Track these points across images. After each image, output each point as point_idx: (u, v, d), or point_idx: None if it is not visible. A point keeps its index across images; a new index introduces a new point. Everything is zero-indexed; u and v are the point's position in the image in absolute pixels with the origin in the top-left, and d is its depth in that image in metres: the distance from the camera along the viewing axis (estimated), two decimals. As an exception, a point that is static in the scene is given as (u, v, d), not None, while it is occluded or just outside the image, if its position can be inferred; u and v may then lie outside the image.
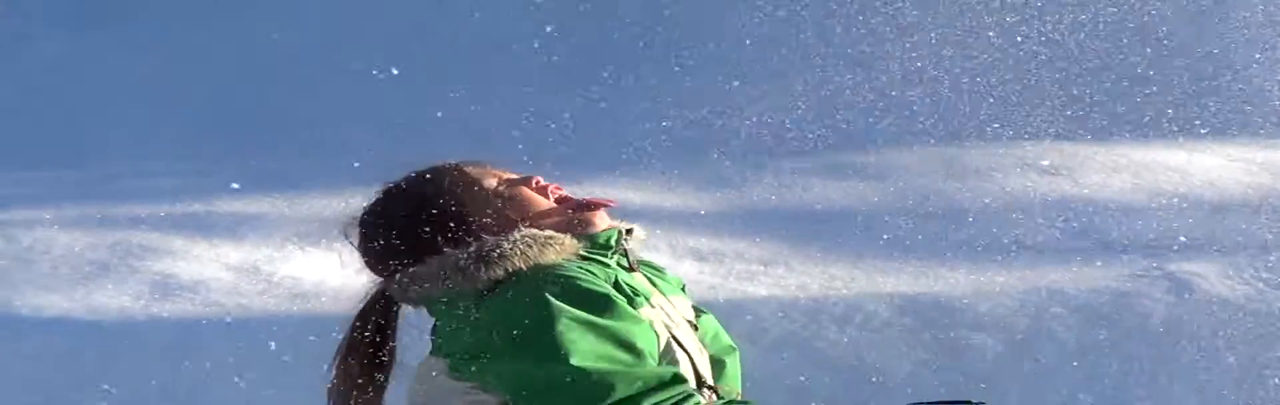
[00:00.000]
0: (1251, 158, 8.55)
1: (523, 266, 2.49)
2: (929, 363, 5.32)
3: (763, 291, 5.85)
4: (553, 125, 8.97)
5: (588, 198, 2.71)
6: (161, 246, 6.20)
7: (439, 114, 9.07)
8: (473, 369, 2.43)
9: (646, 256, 2.85)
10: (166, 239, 6.26)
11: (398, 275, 2.65)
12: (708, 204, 7.35)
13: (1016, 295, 5.71)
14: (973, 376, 5.42)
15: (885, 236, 6.84)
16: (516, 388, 2.37)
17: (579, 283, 2.43)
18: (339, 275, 5.90)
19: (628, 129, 8.88)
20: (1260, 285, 5.98)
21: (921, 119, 9.30)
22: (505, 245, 2.52)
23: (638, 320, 2.43)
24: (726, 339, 2.89)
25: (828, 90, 9.61)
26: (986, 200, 7.61)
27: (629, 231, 2.72)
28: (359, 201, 7.20)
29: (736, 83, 9.68)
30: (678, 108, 9.28)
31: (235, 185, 7.16)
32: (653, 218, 7.02)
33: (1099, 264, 6.34)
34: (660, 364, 2.45)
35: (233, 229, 6.45)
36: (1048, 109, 9.35)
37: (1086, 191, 7.81)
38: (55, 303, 5.64)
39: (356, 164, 7.94)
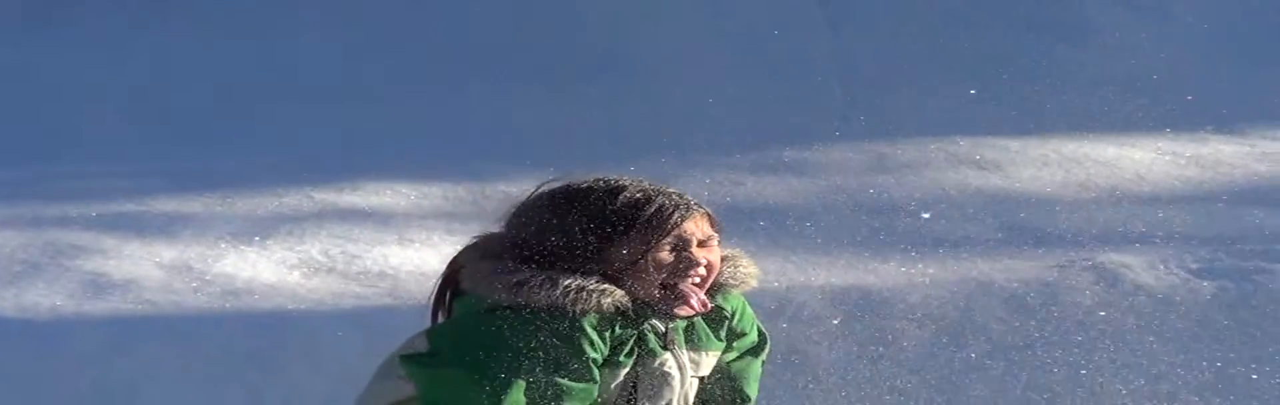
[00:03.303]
0: (1180, 151, 8.64)
1: (545, 304, 2.66)
2: (860, 353, 5.37)
3: (695, 285, 5.87)
4: (486, 123, 8.99)
5: (694, 298, 2.76)
6: (93, 245, 6.18)
7: (373, 112, 9.09)
8: (412, 365, 2.68)
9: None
10: (98, 238, 6.24)
11: (481, 256, 2.79)
12: (641, 200, 7.36)
13: (946, 287, 5.77)
14: (903, 367, 5.47)
15: (817, 231, 6.89)
16: (429, 398, 2.67)
17: (561, 351, 2.64)
18: (273, 273, 5.91)
19: (560, 125, 8.90)
20: (1186, 276, 6.06)
21: (853, 115, 9.35)
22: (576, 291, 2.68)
23: (589, 384, 2.66)
24: (748, 388, 3.01)
25: (758, 87, 9.65)
26: (918, 194, 7.67)
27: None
28: (291, 200, 7.19)
29: (668, 80, 9.71)
30: (609, 105, 9.30)
31: (167, 184, 7.16)
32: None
33: (1028, 256, 6.40)
34: None
35: (165, 228, 6.43)
36: (979, 104, 9.42)
37: (1017, 185, 7.88)
38: (-14, 302, 5.62)
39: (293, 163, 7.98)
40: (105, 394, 5.00)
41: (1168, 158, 8.51)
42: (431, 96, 9.37)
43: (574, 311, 2.65)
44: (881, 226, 6.97)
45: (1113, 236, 6.75)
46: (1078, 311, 5.73)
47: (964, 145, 8.51)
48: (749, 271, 2.90)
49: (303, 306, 5.50)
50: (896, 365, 5.47)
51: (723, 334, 2.90)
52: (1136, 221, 7.20)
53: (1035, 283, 5.93)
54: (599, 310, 2.67)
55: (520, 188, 7.87)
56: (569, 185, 2.79)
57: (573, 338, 2.65)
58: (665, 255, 2.72)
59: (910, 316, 5.52)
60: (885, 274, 6.17)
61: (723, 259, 2.85)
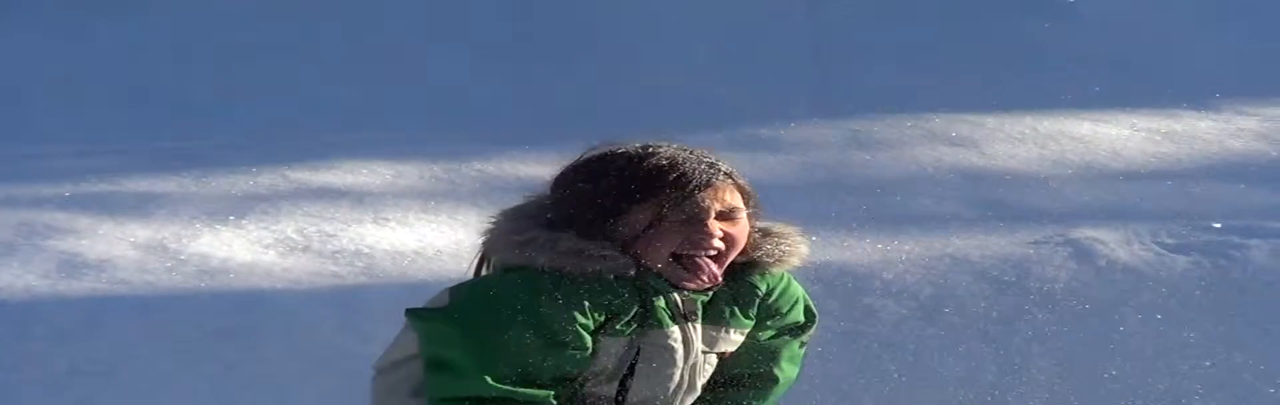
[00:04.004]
0: (1155, 128, 8.65)
1: (541, 266, 2.66)
2: (836, 329, 5.37)
3: (671, 263, 5.87)
4: (462, 101, 8.97)
5: (705, 271, 2.72)
6: (67, 225, 6.17)
7: (350, 91, 9.07)
8: (414, 319, 2.72)
9: None
10: (72, 218, 6.23)
11: (512, 217, 2.79)
12: (617, 178, 7.35)
13: (922, 263, 5.78)
14: (879, 342, 5.48)
15: (792, 208, 6.88)
16: (424, 351, 2.69)
17: (545, 305, 2.63)
18: (248, 252, 5.90)
19: (536, 103, 8.89)
20: (1160, 251, 6.07)
21: (828, 92, 9.35)
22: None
23: (565, 349, 2.64)
24: (776, 368, 2.95)
25: (734, 64, 9.65)
26: (894, 171, 7.67)
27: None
28: (266, 179, 7.18)
29: (643, 57, 9.70)
30: (585, 82, 9.29)
31: (141, 164, 7.14)
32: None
33: (1003, 232, 6.41)
34: (584, 383, 2.72)
35: (139, 207, 6.41)
36: (954, 81, 9.43)
37: (993, 162, 7.89)
38: (-39, 283, 5.60)
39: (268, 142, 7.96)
40: (80, 373, 4.99)
41: (1142, 134, 8.53)
42: (407, 75, 9.35)
43: (572, 275, 2.64)
44: (857, 203, 6.97)
45: (1087, 212, 6.77)
46: (1052, 287, 5.75)
47: (939, 122, 8.52)
48: (792, 249, 2.85)
49: (278, 285, 5.49)
50: (872, 341, 5.48)
51: (753, 312, 2.85)
52: (1111, 197, 7.22)
53: (1010, 258, 5.94)
54: (596, 275, 2.65)
55: (496, 166, 7.91)
56: (608, 150, 2.79)
57: (565, 302, 2.63)
58: (677, 224, 2.69)
59: (886, 292, 5.53)
60: (861, 250, 6.18)
61: (766, 234, 2.82)
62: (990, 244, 6.20)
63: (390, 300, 5.34)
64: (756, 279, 2.83)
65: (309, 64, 9.54)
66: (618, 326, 2.69)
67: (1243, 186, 7.55)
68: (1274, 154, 8.32)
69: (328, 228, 6.22)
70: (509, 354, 2.62)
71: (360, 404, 4.91)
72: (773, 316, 2.88)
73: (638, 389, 2.77)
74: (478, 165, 7.38)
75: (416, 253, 5.94)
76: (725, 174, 2.75)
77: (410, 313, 2.71)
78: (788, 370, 2.96)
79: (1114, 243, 6.11)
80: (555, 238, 2.67)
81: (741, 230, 2.74)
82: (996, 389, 5.36)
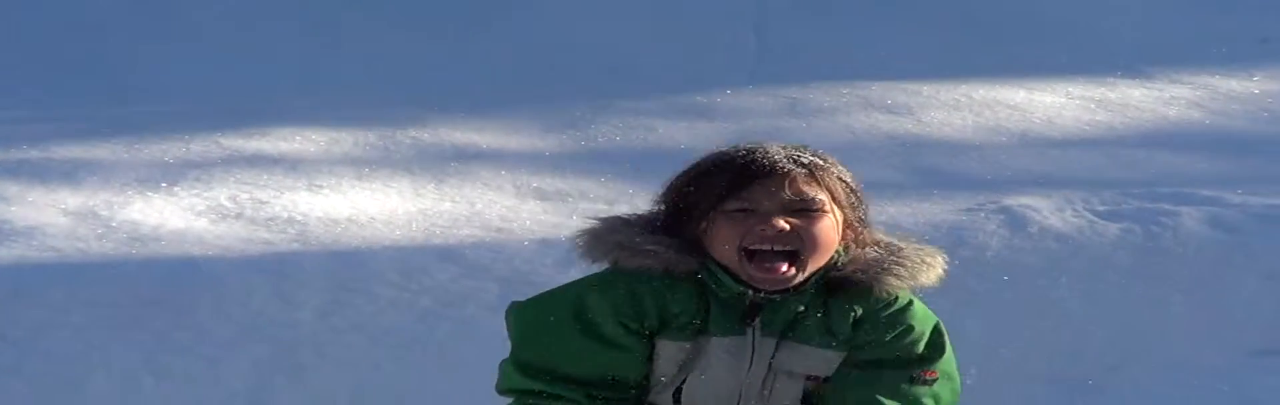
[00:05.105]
0: (1090, 95, 8.70)
1: (610, 263, 2.62)
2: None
3: (605, 230, 5.87)
4: (398, 68, 8.93)
5: (778, 268, 2.56)
6: (-4, 192, 6.11)
7: (283, 58, 9.01)
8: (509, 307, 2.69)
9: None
10: (1, 185, 6.17)
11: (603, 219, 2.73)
12: (553, 145, 7.36)
13: (856, 230, 5.78)
14: (812, 310, 5.48)
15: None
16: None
17: (588, 301, 2.57)
18: (180, 219, 5.86)
19: (472, 70, 8.85)
20: (1092, 218, 6.10)
21: (766, 59, 9.36)
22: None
23: (605, 349, 2.57)
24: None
25: (671, 31, 9.63)
26: (830, 139, 7.68)
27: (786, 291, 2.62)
28: (199, 146, 7.12)
29: (581, 24, 9.67)
30: (522, 49, 9.26)
31: (72, 131, 7.08)
32: (497, 158, 7.02)
33: (936, 199, 6.43)
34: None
35: (70, 174, 6.35)
36: (891, 49, 9.44)
37: (928, 130, 7.92)
38: (-112, 250, 5.54)
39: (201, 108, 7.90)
40: (9, 341, 4.95)
41: (1077, 102, 8.57)
42: (341, 41, 9.30)
43: (632, 272, 2.56)
44: (792, 170, 6.97)
45: (1021, 179, 6.80)
46: (985, 253, 5.77)
47: (876, 90, 8.53)
48: (903, 271, 2.62)
49: (210, 252, 5.46)
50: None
51: (845, 333, 2.62)
52: (1045, 164, 7.26)
53: (943, 225, 5.96)
54: (652, 272, 2.55)
55: (432, 133, 7.90)
56: (709, 157, 2.67)
57: (615, 301, 2.55)
58: (739, 214, 2.54)
59: (819, 259, 5.54)
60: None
61: (889, 251, 2.65)
62: (924, 211, 6.22)
63: (322, 267, 5.34)
64: (850, 296, 2.62)
65: (243, 31, 9.47)
66: (674, 329, 2.57)
67: (1175, 154, 7.60)
68: (1207, 122, 8.37)
69: (261, 195, 6.18)
70: (551, 352, 2.58)
71: (291, 370, 4.92)
72: (870, 343, 2.64)
73: (689, 398, 2.64)
74: (413, 132, 7.35)
75: (350, 220, 5.91)
76: (803, 166, 2.58)
77: (511, 304, 2.70)
78: None
79: (1047, 210, 6.14)
80: (606, 233, 2.61)
81: (821, 229, 2.55)
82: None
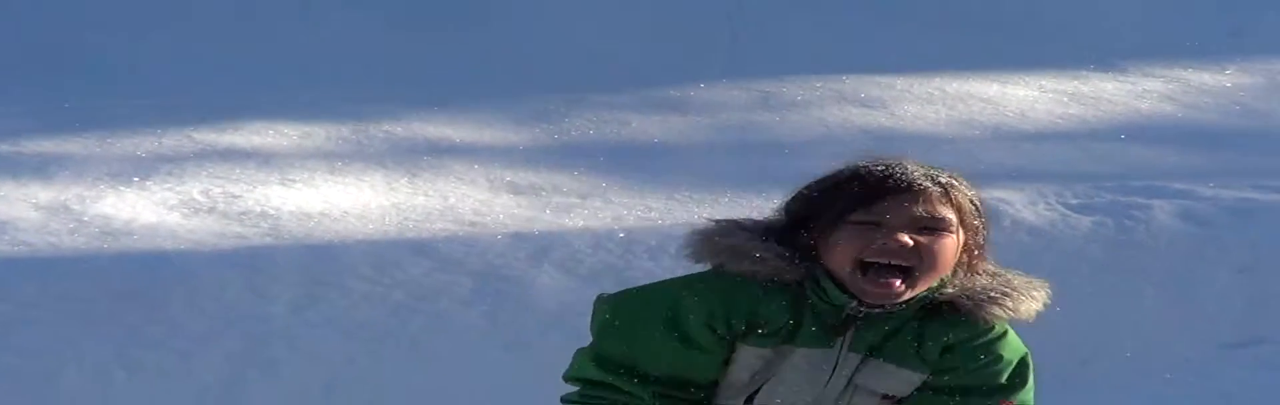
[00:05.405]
0: (1062, 89, 8.72)
1: (713, 265, 2.61)
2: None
3: (579, 223, 5.88)
4: (371, 62, 8.91)
5: (892, 284, 2.54)
6: (-34, 187, 6.09)
7: (257, 52, 8.99)
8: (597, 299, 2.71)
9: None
10: (-28, 179, 6.15)
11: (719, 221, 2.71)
12: (526, 138, 7.35)
13: (829, 224, 5.77)
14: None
15: (701, 169, 6.90)
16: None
17: (683, 300, 2.56)
18: (152, 214, 5.84)
19: (445, 64, 8.84)
20: (1065, 211, 6.12)
21: (739, 53, 9.36)
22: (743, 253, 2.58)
23: (686, 349, 2.56)
24: None
25: (645, 25, 9.63)
26: (804, 132, 7.69)
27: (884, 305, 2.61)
28: (171, 141, 7.10)
29: (554, 17, 9.67)
30: (495, 43, 9.25)
31: (43, 124, 7.05)
32: (470, 152, 7.01)
33: (910, 192, 6.43)
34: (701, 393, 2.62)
35: (41, 168, 6.33)
36: (864, 43, 9.45)
37: (901, 123, 7.93)
38: None
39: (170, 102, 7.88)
40: (-20, 335, 4.93)
41: (1050, 95, 8.59)
42: (315, 35, 9.28)
43: (731, 275, 2.56)
44: (765, 164, 6.98)
45: (994, 173, 6.80)
46: (958, 247, 5.77)
47: (849, 83, 8.54)
48: (1007, 300, 2.60)
49: (182, 247, 5.43)
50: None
51: (933, 356, 2.62)
52: (1018, 158, 7.28)
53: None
54: (753, 277, 2.54)
55: (404, 127, 7.87)
56: (848, 169, 2.66)
57: (706, 302, 2.55)
58: (866, 227, 2.53)
59: (792, 253, 5.53)
60: (768, 211, 6.18)
61: (993, 277, 2.63)
62: (897, 204, 6.22)
63: (295, 262, 5.32)
64: (947, 320, 2.62)
65: (216, 24, 9.44)
66: (759, 335, 2.57)
67: (1147, 147, 7.62)
68: (1179, 115, 8.40)
69: (233, 189, 6.17)
70: (632, 347, 2.57)
71: (263, 364, 4.91)
72: (955, 368, 2.64)
73: None
74: (386, 126, 7.33)
75: (322, 214, 5.90)
76: (939, 184, 2.57)
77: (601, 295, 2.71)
78: None
79: (1020, 203, 6.15)
80: (725, 236, 2.60)
81: (943, 249, 2.54)
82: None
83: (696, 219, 5.93)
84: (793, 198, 2.66)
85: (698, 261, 2.64)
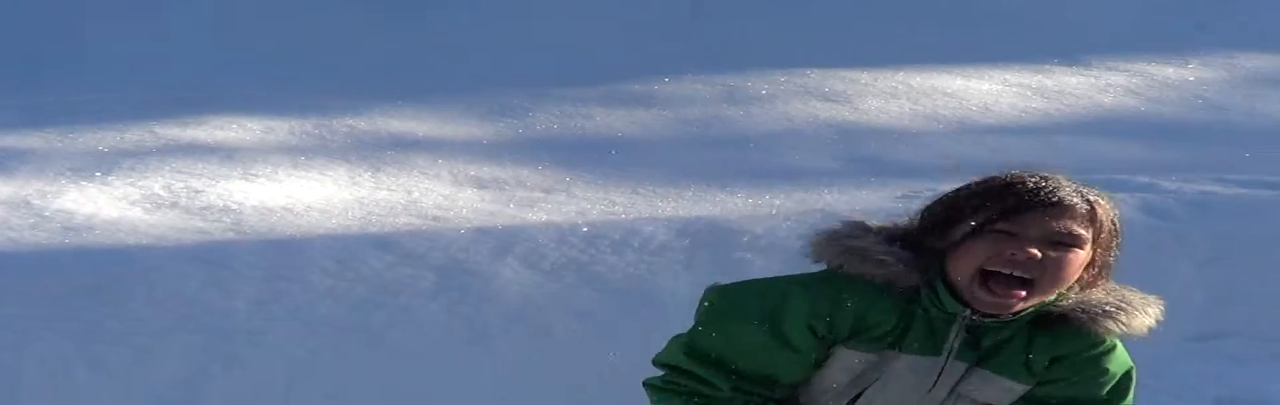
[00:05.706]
0: (1026, 83, 8.74)
1: (831, 266, 2.60)
2: (706, 284, 5.37)
3: (542, 217, 5.87)
4: (334, 56, 8.89)
5: (1009, 297, 2.53)
6: (-73, 182, 6.06)
7: (219, 47, 8.96)
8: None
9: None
10: (-68, 174, 6.12)
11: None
12: (490, 133, 7.34)
13: (792, 217, 5.78)
14: (749, 297, 5.48)
15: (665, 162, 6.90)
16: None
17: (789, 299, 2.56)
18: (114, 208, 5.82)
19: (409, 58, 8.83)
20: (1027, 204, 6.12)
21: (704, 47, 9.36)
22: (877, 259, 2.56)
23: (780, 347, 2.56)
24: None
25: (610, 19, 9.63)
26: (767, 126, 7.70)
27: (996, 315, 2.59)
28: (134, 135, 7.06)
29: (518, 12, 9.66)
30: (459, 37, 9.24)
31: (4, 119, 7.02)
32: (434, 147, 7.00)
33: (873, 186, 6.45)
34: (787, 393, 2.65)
35: (2, 163, 6.30)
36: (828, 37, 9.46)
37: (865, 117, 7.94)
38: None
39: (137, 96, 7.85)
40: (-60, 331, 4.90)
41: (1014, 89, 8.61)
42: (276, 29, 9.26)
43: (846, 276, 2.55)
44: (729, 158, 6.99)
45: (957, 166, 6.82)
46: (921, 240, 5.78)
47: (813, 77, 8.55)
48: (1122, 315, 2.61)
49: (144, 242, 5.41)
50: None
51: (1039, 368, 2.63)
52: (981, 152, 7.29)
53: (880, 213, 5.92)
54: (869, 279, 2.54)
55: (367, 121, 7.86)
56: (985, 180, 2.64)
57: (812, 301, 2.54)
58: (998, 236, 2.51)
59: (755, 247, 5.54)
60: (732, 205, 6.19)
61: (1110, 293, 2.62)
62: (861, 198, 6.24)
63: (257, 256, 5.30)
64: (1058, 333, 2.61)
65: (177, 18, 9.41)
66: (863, 339, 2.56)
67: (1111, 141, 7.65)
68: (1142, 109, 8.43)
69: (195, 183, 6.15)
70: (727, 340, 2.57)
71: (225, 359, 4.89)
72: (1058, 381, 2.64)
73: None
74: (349, 121, 7.32)
75: (285, 209, 5.88)
76: (1088, 202, 2.56)
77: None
78: None
79: (983, 197, 6.15)
80: (851, 237, 2.58)
81: (1069, 264, 2.53)
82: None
83: (659, 213, 5.95)
84: (937, 201, 2.64)
85: (816, 261, 2.63)
